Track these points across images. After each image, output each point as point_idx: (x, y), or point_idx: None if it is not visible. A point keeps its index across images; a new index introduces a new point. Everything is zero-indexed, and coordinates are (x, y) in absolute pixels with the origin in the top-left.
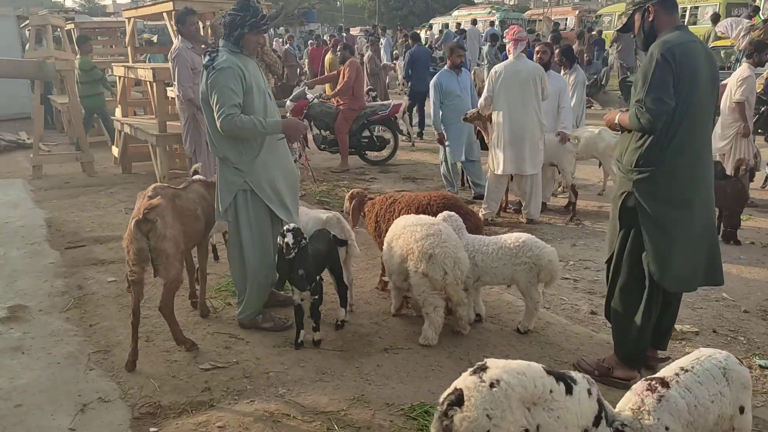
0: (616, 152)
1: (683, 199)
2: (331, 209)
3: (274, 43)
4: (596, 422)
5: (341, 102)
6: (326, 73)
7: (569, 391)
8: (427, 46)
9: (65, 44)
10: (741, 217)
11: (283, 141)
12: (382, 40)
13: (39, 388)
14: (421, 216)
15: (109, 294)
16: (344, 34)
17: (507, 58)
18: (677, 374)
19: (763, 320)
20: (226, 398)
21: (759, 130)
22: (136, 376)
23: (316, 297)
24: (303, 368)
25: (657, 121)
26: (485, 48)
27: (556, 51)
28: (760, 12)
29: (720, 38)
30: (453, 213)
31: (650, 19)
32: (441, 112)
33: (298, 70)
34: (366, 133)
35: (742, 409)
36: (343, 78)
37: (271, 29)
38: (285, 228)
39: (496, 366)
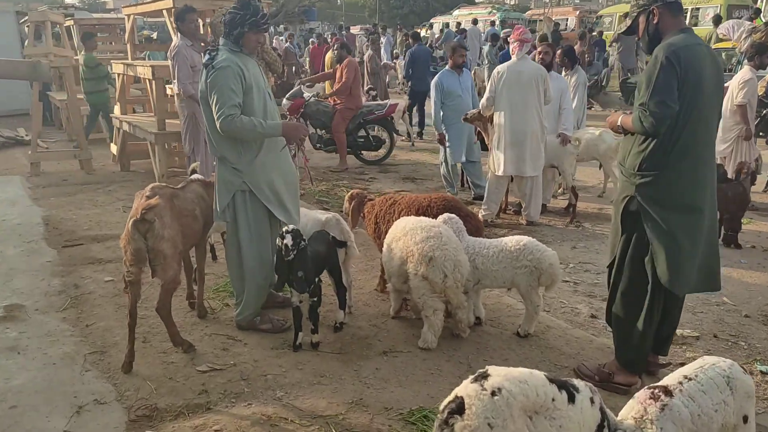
0: (618, 156)
1: (687, 204)
2: (330, 209)
3: (274, 41)
4: (599, 431)
5: (338, 101)
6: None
7: (572, 399)
8: (427, 45)
9: (64, 41)
10: (742, 220)
11: (283, 141)
12: (382, 39)
13: (34, 389)
14: (421, 218)
15: (106, 294)
16: (344, 33)
17: (504, 58)
18: (681, 383)
19: (764, 325)
20: (224, 401)
21: (760, 133)
22: (132, 377)
23: (315, 299)
24: (301, 371)
25: (660, 125)
26: (486, 48)
27: (558, 52)
28: (762, 14)
29: (721, 40)
30: (453, 215)
31: (655, 21)
32: (442, 113)
33: (294, 68)
34: (362, 132)
35: (745, 419)
36: (342, 78)
37: (271, 27)
38: (284, 229)
39: (497, 374)
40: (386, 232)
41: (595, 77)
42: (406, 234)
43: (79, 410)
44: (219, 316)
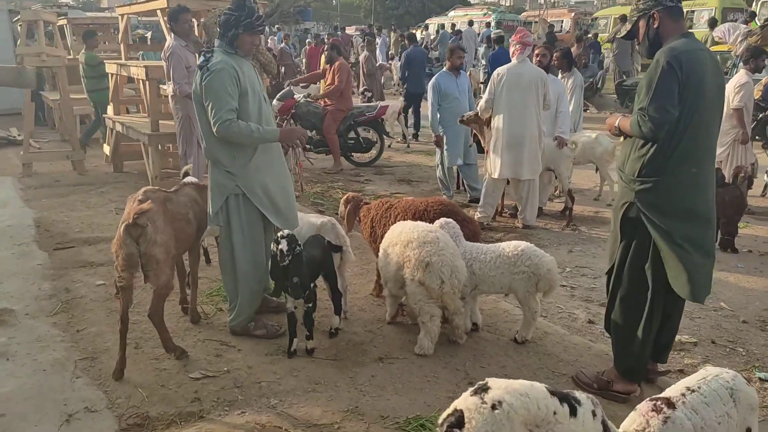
0: (617, 161)
1: (688, 209)
2: (325, 211)
3: (269, 41)
4: None
5: (329, 103)
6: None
7: (573, 412)
8: (422, 46)
9: (57, 40)
10: (738, 224)
11: (278, 145)
12: (377, 39)
13: (23, 396)
14: (418, 223)
15: (97, 298)
16: (339, 33)
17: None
18: (683, 394)
19: (762, 331)
20: (217, 409)
21: (756, 137)
22: (123, 384)
23: (310, 305)
24: (296, 378)
25: (659, 130)
26: (482, 49)
27: (555, 54)
28: (757, 17)
29: (717, 43)
30: (450, 220)
31: (655, 26)
32: (439, 115)
33: (283, 68)
34: (352, 134)
35: (749, 431)
36: (334, 80)
37: (266, 27)
38: (279, 234)
39: (498, 386)
40: (382, 237)
41: (591, 79)
42: (402, 239)
43: (69, 418)
44: (212, 321)
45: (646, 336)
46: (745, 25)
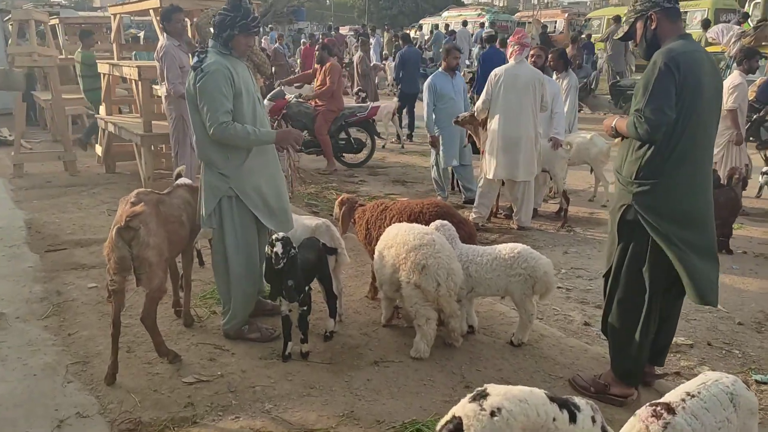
0: (614, 163)
1: (685, 212)
2: (319, 212)
3: (263, 41)
4: None
5: (320, 103)
6: None
7: (573, 419)
8: (416, 46)
9: (49, 39)
10: (733, 226)
11: (272, 146)
12: (371, 39)
13: (14, 401)
14: (414, 225)
15: (89, 301)
16: (333, 33)
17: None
18: (683, 400)
19: (757, 333)
20: (210, 414)
21: (750, 138)
22: (115, 389)
23: (305, 308)
24: (290, 382)
25: (656, 132)
26: (475, 49)
27: (551, 55)
28: (750, 19)
29: (711, 44)
30: (446, 222)
31: (653, 27)
32: (434, 115)
33: (276, 69)
34: (343, 135)
35: None
36: (325, 81)
37: (261, 27)
38: (274, 237)
39: (496, 393)
40: (377, 239)
41: (584, 80)
42: (398, 241)
43: (60, 424)
44: (206, 324)
45: (643, 339)
46: (738, 26)
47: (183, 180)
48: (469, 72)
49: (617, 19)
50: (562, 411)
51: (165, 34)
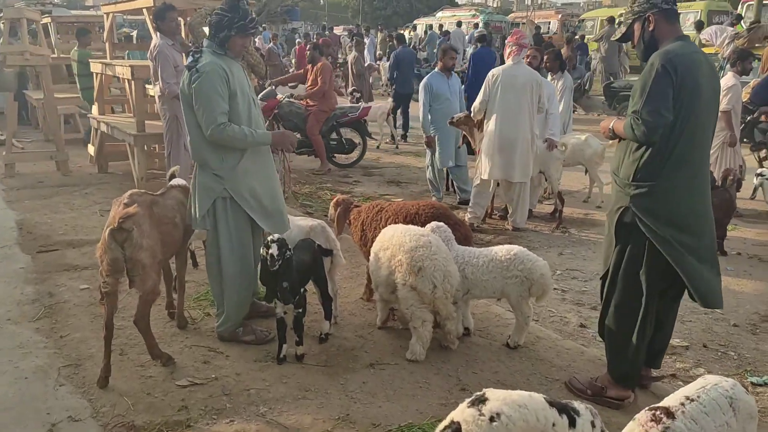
0: (611, 165)
1: (683, 214)
2: (313, 213)
3: (257, 40)
4: None
5: (311, 104)
6: None
7: (572, 424)
8: (410, 47)
9: (41, 38)
10: (727, 227)
11: (267, 147)
12: (365, 39)
13: (5, 405)
14: (410, 226)
15: (81, 302)
16: (327, 33)
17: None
18: (682, 404)
19: (752, 334)
20: (204, 418)
21: (744, 139)
22: (108, 393)
23: (300, 310)
24: (285, 385)
25: (652, 134)
26: (470, 50)
27: (547, 56)
28: (743, 20)
29: (704, 46)
30: (442, 223)
31: (651, 28)
32: (430, 116)
33: (270, 69)
34: (335, 135)
35: None
36: (316, 81)
37: None
38: (269, 238)
39: (495, 397)
40: (373, 240)
41: (578, 81)
42: (394, 243)
43: (52, 428)
44: (200, 326)
45: (640, 342)
46: (731, 28)
47: (176, 181)
48: (458, 72)
49: (611, 20)
50: (562, 416)
51: (158, 33)
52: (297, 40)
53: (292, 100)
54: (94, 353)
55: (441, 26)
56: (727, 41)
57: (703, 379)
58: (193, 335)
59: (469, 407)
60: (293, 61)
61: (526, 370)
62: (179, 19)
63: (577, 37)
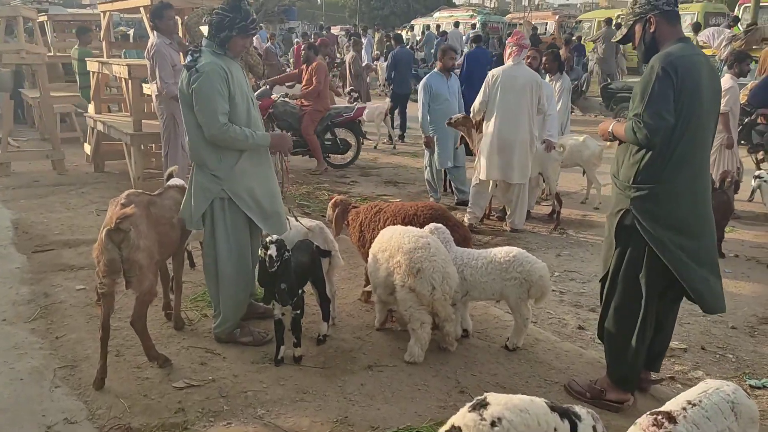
0: (611, 168)
1: (683, 217)
2: (311, 213)
3: (254, 40)
4: None
5: (306, 104)
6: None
7: (574, 428)
8: (408, 47)
9: (37, 37)
10: (725, 229)
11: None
12: (363, 39)
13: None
14: (409, 228)
15: (77, 303)
16: (325, 33)
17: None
18: (684, 408)
19: (750, 337)
20: (201, 420)
21: (742, 141)
22: (104, 394)
23: (298, 311)
24: (283, 387)
25: (654, 137)
26: (467, 50)
27: (546, 57)
28: (739, 23)
29: (702, 47)
30: (440, 225)
31: (652, 30)
32: (428, 116)
33: (268, 68)
34: (329, 135)
35: None
36: (311, 81)
37: None
38: (267, 239)
39: (497, 402)
40: (371, 241)
41: (575, 82)
42: (392, 244)
43: (47, 430)
44: (197, 327)
45: (639, 345)
46: (729, 30)
47: (174, 181)
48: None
49: (608, 22)
50: (563, 420)
51: (155, 32)
52: (295, 40)
53: (286, 99)
54: (90, 354)
55: (438, 26)
56: (724, 43)
57: (705, 383)
58: (190, 336)
59: (470, 412)
60: (291, 60)
61: (524, 373)
62: (176, 17)
63: (573, 38)
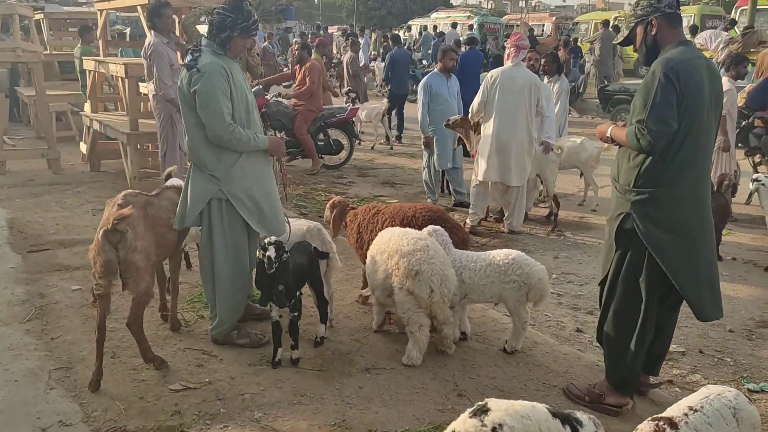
0: (611, 172)
1: (683, 221)
2: (308, 213)
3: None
4: None
5: (299, 104)
6: None
7: None
8: (405, 47)
9: (33, 35)
10: (722, 232)
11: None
12: (360, 40)
13: None
14: (407, 229)
15: (73, 304)
16: (322, 32)
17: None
18: (686, 414)
19: (748, 340)
20: (198, 423)
21: (739, 144)
22: (100, 396)
23: (296, 313)
24: (280, 389)
25: (658, 144)
26: (461, 51)
27: (545, 59)
28: (736, 26)
29: (699, 50)
30: (439, 227)
31: (653, 32)
32: (428, 117)
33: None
34: (322, 136)
35: None
36: (305, 81)
37: None
38: (266, 241)
39: (498, 408)
40: (369, 243)
41: (573, 84)
42: (391, 246)
43: None
44: (193, 329)
45: (638, 348)
46: (726, 33)
47: (173, 181)
48: None
49: (606, 24)
50: (565, 426)
51: (153, 32)
52: (294, 40)
53: (280, 99)
54: (85, 356)
55: (435, 27)
56: (721, 46)
57: (706, 389)
58: (186, 338)
59: (471, 417)
60: (289, 60)
61: (523, 376)
62: (174, 17)
63: (570, 39)
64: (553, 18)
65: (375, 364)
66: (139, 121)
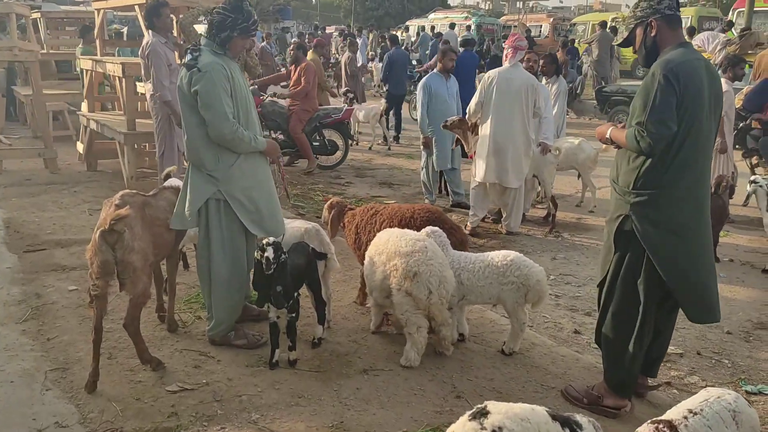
0: (610, 173)
1: (682, 223)
2: (305, 214)
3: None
4: None
5: (294, 103)
6: None
7: None
8: (403, 48)
9: (30, 34)
10: (719, 234)
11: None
12: (357, 40)
13: None
14: (405, 231)
15: (69, 304)
16: (320, 32)
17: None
18: (686, 417)
19: (746, 342)
20: (195, 424)
21: (737, 146)
22: (96, 398)
23: (293, 314)
24: (278, 391)
25: (657, 146)
26: (461, 52)
27: (543, 60)
28: (733, 28)
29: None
30: (437, 228)
31: (653, 34)
32: (427, 117)
33: (261, 68)
34: (317, 136)
35: None
36: (300, 81)
37: None
38: (264, 241)
39: (497, 411)
40: (367, 244)
41: (570, 85)
42: (389, 247)
43: None
44: (190, 329)
45: (637, 350)
46: (723, 34)
47: (171, 181)
48: None
49: (603, 25)
50: (564, 429)
51: (150, 31)
52: (293, 39)
53: (275, 99)
54: (81, 357)
55: (433, 28)
56: (719, 47)
57: (706, 391)
58: (183, 339)
59: (470, 420)
60: (287, 60)
61: (521, 378)
62: (171, 16)
63: (568, 41)
64: (551, 19)
65: (373, 365)
66: (137, 120)
